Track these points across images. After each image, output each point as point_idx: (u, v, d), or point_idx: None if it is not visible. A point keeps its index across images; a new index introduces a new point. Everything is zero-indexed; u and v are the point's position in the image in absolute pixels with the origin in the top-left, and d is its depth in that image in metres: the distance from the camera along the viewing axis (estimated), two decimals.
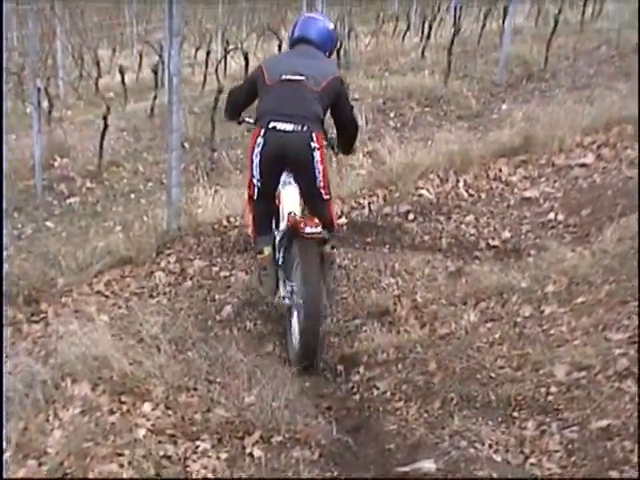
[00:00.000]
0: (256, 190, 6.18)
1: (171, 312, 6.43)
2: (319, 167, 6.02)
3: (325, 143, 6.35)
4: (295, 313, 5.95)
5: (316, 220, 5.82)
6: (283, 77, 6.07)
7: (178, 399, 5.00)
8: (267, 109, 6.10)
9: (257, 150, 6.02)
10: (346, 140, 6.66)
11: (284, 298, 6.03)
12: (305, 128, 5.94)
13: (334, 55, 7.49)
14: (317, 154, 5.98)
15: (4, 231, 6.57)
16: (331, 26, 6.62)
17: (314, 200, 6.21)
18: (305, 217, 6.02)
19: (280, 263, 6.26)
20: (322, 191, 6.15)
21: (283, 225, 6.07)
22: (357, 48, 18.80)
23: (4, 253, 6.98)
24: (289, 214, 5.90)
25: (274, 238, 6.38)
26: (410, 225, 7.93)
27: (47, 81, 12.78)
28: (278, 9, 23.77)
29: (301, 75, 6.03)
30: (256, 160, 6.04)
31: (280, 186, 6.20)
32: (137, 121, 12.35)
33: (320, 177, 6.06)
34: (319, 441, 4.63)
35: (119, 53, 23.20)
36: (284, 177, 6.18)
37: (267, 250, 6.33)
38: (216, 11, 24.20)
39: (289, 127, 5.94)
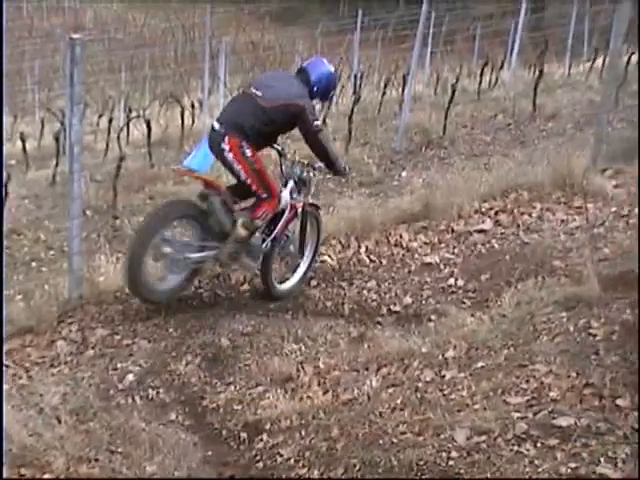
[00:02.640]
0: None
1: (72, 382, 6.33)
2: (236, 166, 7.05)
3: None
4: None
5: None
6: (247, 89, 7.28)
7: (79, 470, 4.91)
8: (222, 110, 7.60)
9: None
10: (319, 159, 7.54)
11: None
12: (223, 131, 7.04)
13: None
14: (229, 155, 7.02)
15: None
16: (334, 74, 7.66)
17: (245, 189, 7.28)
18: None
19: None
20: (252, 187, 7.17)
21: None
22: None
23: None
24: None
25: None
26: (312, 291, 7.97)
27: None
28: (180, 77, 23.87)
29: (259, 91, 7.10)
30: None
31: None
32: (38, 189, 12.22)
33: (243, 175, 7.09)
34: None
35: (21, 119, 22.94)
36: None
37: None
38: (119, 78, 24.18)
39: (216, 126, 7.13)
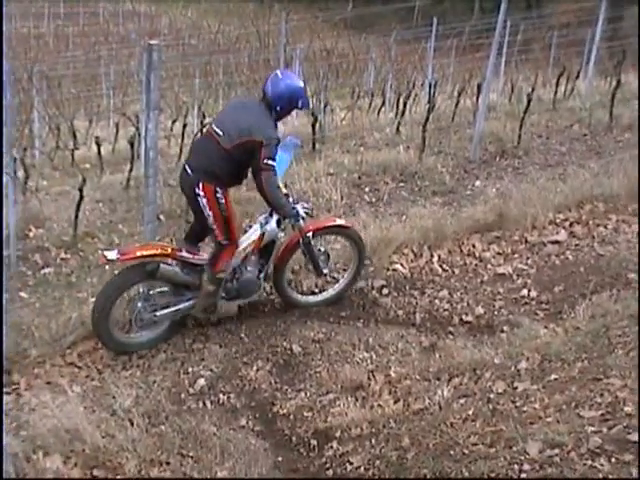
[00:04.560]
0: None
1: (144, 385, 6.41)
2: (207, 211, 6.94)
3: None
4: None
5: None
6: (210, 127, 7.15)
7: (150, 473, 4.96)
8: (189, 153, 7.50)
9: None
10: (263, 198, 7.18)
11: None
12: (196, 177, 6.94)
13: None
14: (202, 200, 6.92)
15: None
16: (292, 83, 7.07)
17: (196, 231, 7.42)
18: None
19: None
20: (214, 231, 7.06)
21: None
22: (333, 122, 18.94)
23: None
24: None
25: None
26: (384, 300, 7.96)
27: (23, 151, 12.78)
28: (255, 83, 23.99)
29: (219, 130, 6.96)
30: None
31: None
32: (113, 193, 12.31)
33: (211, 219, 6.98)
34: None
35: (96, 124, 23.20)
36: None
37: None
38: (193, 84, 24.37)
39: (188, 170, 7.04)
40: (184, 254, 7.15)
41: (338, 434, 5.60)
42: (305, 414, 6.03)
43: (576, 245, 8.67)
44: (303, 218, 7.37)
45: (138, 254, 6.84)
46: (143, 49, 7.40)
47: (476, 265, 8.67)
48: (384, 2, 54.55)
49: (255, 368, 6.70)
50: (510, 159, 13.54)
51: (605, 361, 5.47)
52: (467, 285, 8.21)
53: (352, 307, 7.81)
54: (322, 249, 7.78)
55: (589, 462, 4.29)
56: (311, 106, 7.49)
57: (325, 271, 7.81)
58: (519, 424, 4.93)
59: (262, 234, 7.37)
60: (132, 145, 13.56)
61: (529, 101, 14.79)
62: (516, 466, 4.48)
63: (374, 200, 11.30)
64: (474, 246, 8.99)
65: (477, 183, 12.01)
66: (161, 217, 10.20)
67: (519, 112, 15.00)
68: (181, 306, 7.21)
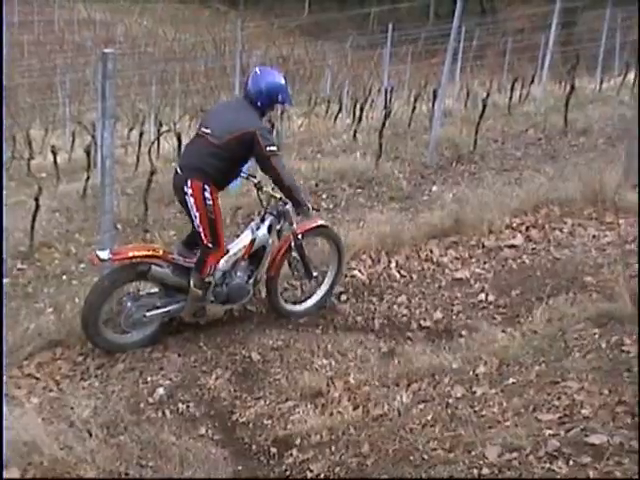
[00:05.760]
0: None
1: (103, 395, 6.37)
2: (194, 211, 7.02)
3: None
4: None
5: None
6: (198, 130, 7.22)
7: None
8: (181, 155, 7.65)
9: None
10: (276, 186, 7.32)
11: None
12: (185, 175, 7.04)
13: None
14: (190, 199, 6.99)
15: None
16: (271, 79, 7.19)
17: (196, 237, 7.20)
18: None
19: None
20: (201, 233, 7.08)
21: None
22: (290, 129, 18.98)
23: None
24: None
25: None
26: (343, 306, 7.97)
27: None
28: (211, 90, 23.95)
29: (208, 129, 7.07)
30: None
31: None
32: (69, 202, 12.27)
33: (197, 221, 7.04)
34: None
35: (52, 133, 23.09)
36: None
37: None
38: (149, 92, 24.30)
39: (179, 171, 7.14)
40: (175, 256, 7.22)
41: (298, 441, 5.58)
42: (265, 422, 6.01)
43: (532, 249, 8.72)
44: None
45: (130, 254, 6.97)
46: (98, 57, 7.37)
47: (434, 270, 8.69)
48: (340, 9, 54.71)
49: (214, 377, 6.67)
50: (466, 164, 13.64)
51: (562, 364, 5.51)
52: (425, 290, 8.24)
53: (310, 314, 7.81)
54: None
55: (547, 465, 4.32)
56: (293, 103, 7.51)
57: (315, 273, 7.85)
58: (478, 428, 4.95)
59: (253, 240, 7.42)
60: (88, 153, 13.49)
61: (484, 106, 14.91)
62: (475, 470, 4.49)
63: (332, 207, 11.34)
64: (431, 251, 9.02)
65: (434, 188, 12.08)
66: (118, 226, 10.16)
67: (475, 117, 15.12)
68: (170, 308, 7.27)
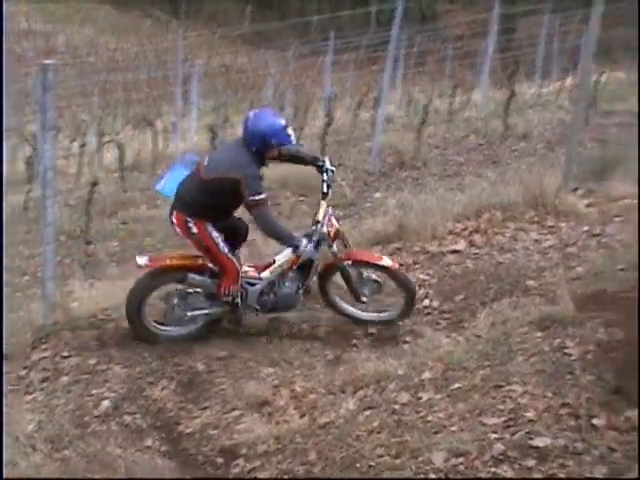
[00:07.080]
0: None
1: (47, 409, 6.32)
2: (188, 240, 7.16)
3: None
4: None
5: None
6: (201, 160, 7.22)
7: None
8: None
9: None
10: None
11: None
12: (172, 206, 7.19)
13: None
14: (177, 229, 7.14)
15: None
16: (262, 123, 6.96)
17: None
18: None
19: None
20: (207, 259, 7.13)
21: None
22: (232, 137, 18.93)
23: None
24: None
25: None
26: (288, 315, 7.94)
27: None
28: (153, 100, 23.82)
29: (207, 162, 7.06)
30: None
31: None
32: (11, 214, 12.12)
33: (195, 248, 7.17)
34: None
35: None
36: None
37: None
38: (91, 102, 24.11)
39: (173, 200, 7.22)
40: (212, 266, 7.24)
41: (244, 451, 5.57)
42: (211, 432, 5.99)
43: (475, 254, 8.76)
44: (319, 244, 7.30)
45: (168, 262, 7.25)
46: (38, 68, 7.30)
47: None
48: (281, 18, 54.73)
49: (160, 388, 6.63)
50: (409, 170, 13.71)
51: (506, 368, 5.56)
52: None
53: (256, 323, 7.78)
54: (374, 277, 7.58)
55: (493, 469, 4.36)
56: (294, 141, 7.21)
57: (364, 299, 7.60)
58: (424, 434, 4.98)
59: (299, 255, 7.26)
60: (29, 165, 13.35)
61: (426, 113, 14.99)
62: (422, 476, 4.51)
63: (275, 215, 11.31)
64: None
65: (377, 195, 12.13)
66: (61, 237, 10.05)
67: (416, 124, 15.20)
68: (212, 311, 7.37)
